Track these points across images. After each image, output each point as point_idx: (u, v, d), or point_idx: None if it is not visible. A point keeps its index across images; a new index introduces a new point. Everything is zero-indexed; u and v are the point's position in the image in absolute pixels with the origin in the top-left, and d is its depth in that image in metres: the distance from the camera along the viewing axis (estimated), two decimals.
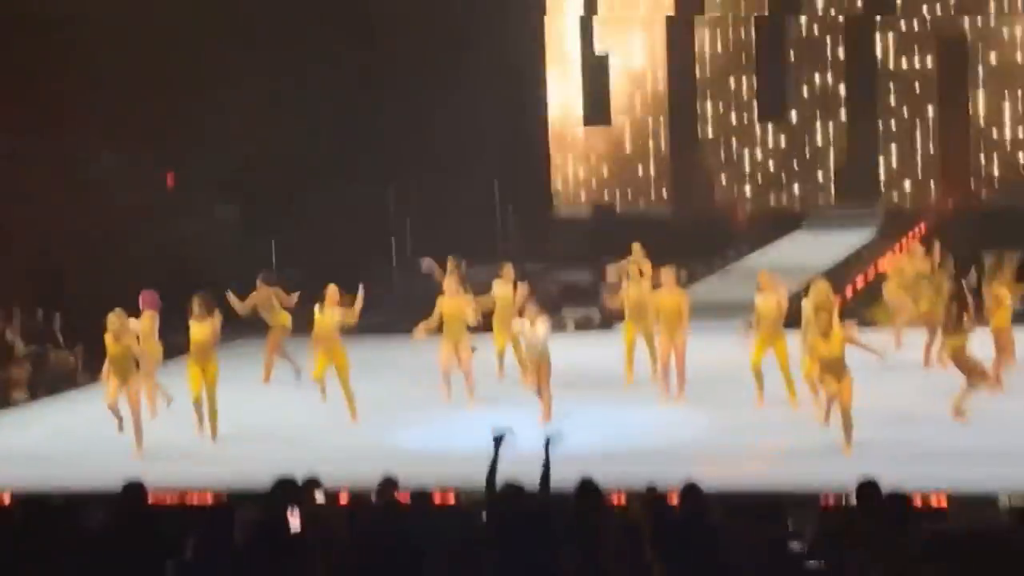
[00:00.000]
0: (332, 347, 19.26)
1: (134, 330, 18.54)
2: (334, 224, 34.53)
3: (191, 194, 33.95)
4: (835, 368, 16.75)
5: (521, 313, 19.28)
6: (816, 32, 41.82)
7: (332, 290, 19.48)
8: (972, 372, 17.97)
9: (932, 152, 41.36)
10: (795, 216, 40.47)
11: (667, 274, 19.97)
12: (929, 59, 41.07)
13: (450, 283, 20.18)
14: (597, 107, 43.07)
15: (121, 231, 30.83)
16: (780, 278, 19.70)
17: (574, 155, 43.25)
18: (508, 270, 21.45)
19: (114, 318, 18.03)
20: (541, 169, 41.55)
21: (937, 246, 22.20)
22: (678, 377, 19.81)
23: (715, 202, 41.71)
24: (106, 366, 18.25)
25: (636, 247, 22.00)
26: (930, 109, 41.21)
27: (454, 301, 19.93)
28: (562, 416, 18.46)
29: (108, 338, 18.02)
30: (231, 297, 20.99)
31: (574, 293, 30.10)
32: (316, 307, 19.47)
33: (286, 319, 21.51)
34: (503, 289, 21.25)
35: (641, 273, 20.91)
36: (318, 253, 32.76)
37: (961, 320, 18.10)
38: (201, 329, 18.54)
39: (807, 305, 18.52)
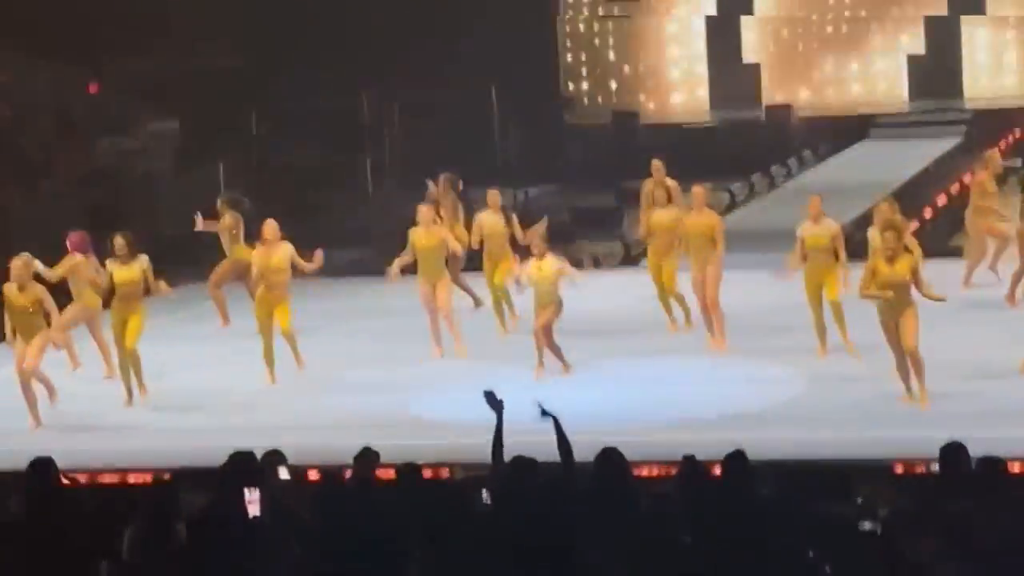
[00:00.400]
0: (274, 296, 19.20)
1: (47, 277, 18.51)
2: (295, 142, 34.46)
3: (120, 107, 33.91)
4: (898, 297, 16.64)
5: (528, 249, 19.21)
6: None
7: (270, 227, 19.34)
8: None
9: None
10: (861, 122, 40.34)
11: (698, 194, 19.95)
12: None
13: (425, 212, 20.20)
14: None
15: (39, 151, 30.81)
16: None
17: (589, 51, 43.11)
18: (495, 197, 21.39)
19: (19, 263, 17.83)
20: (549, 69, 41.41)
21: None
22: (714, 319, 19.77)
23: (763, 106, 41.56)
24: (8, 324, 18.19)
25: (656, 164, 21.97)
26: None
27: (429, 233, 19.96)
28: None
29: (10, 289, 17.87)
30: (202, 222, 21.28)
31: (592, 221, 30.05)
32: (257, 248, 19.38)
33: (246, 253, 21.43)
34: (490, 220, 21.22)
35: (669, 198, 20.73)
36: (275, 177, 32.72)
37: None
38: (126, 272, 18.47)
39: (873, 233, 18.40)
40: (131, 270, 18.46)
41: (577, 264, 26.28)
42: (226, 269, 21.84)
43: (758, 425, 16.51)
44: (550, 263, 18.61)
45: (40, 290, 17.89)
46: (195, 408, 18.59)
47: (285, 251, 19.21)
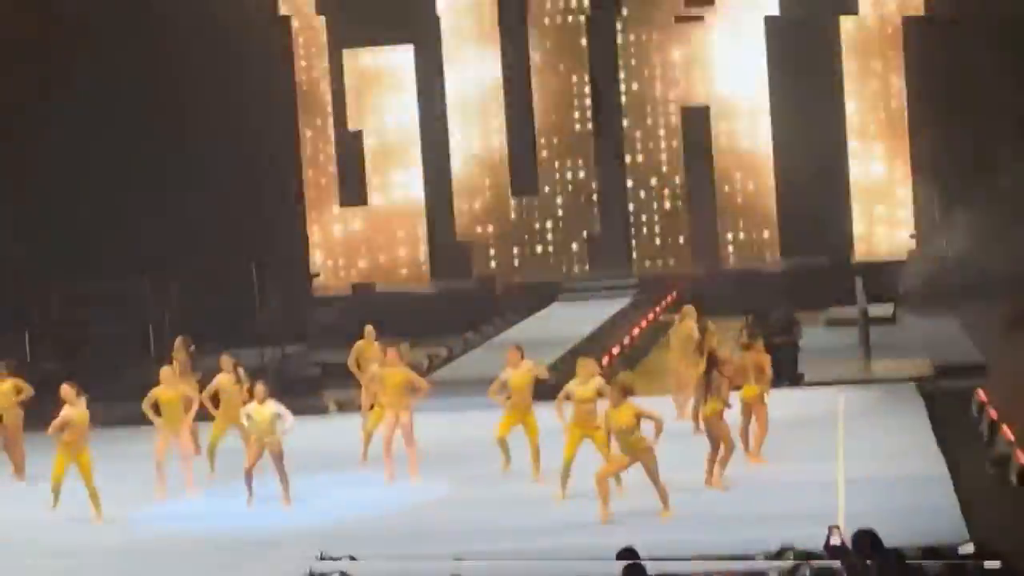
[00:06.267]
0: (77, 445, 18.64)
1: None
2: (87, 317, 33.81)
3: None
4: (631, 439, 16.74)
5: (251, 394, 18.96)
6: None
7: (69, 389, 18.79)
8: (725, 439, 18.22)
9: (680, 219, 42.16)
10: (552, 288, 40.76)
11: (391, 353, 20.01)
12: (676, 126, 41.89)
13: (166, 372, 20.01)
14: (352, 185, 42.97)
15: None
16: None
17: (332, 235, 43.04)
18: (227, 361, 21.11)
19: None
20: (298, 249, 41.23)
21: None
22: (409, 454, 19.74)
23: (473, 277, 41.81)
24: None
25: (369, 329, 22.16)
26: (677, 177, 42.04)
27: (171, 390, 19.78)
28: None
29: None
30: None
31: (336, 374, 29.75)
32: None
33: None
34: (226, 379, 20.85)
35: (385, 353, 20.58)
36: (72, 346, 32.06)
37: (716, 386, 18.36)
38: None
39: (576, 386, 18.25)
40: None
41: (324, 409, 26.33)
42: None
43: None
44: (269, 406, 18.43)
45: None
46: None
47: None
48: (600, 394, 17.99)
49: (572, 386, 18.32)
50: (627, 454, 16.80)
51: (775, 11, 40.92)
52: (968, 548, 13.31)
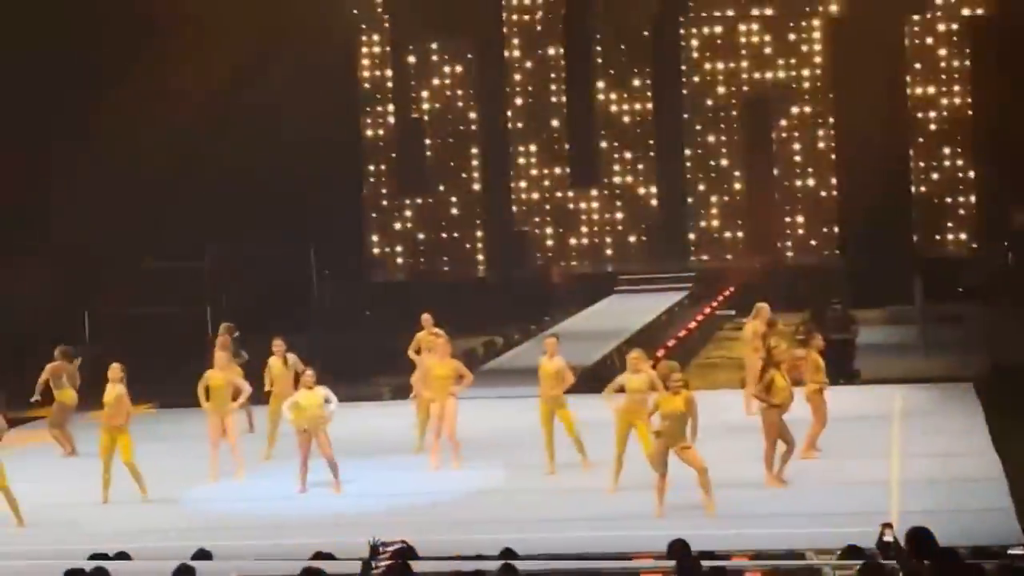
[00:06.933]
0: (117, 428, 18.68)
1: None
2: (146, 298, 33.96)
3: None
4: (678, 427, 16.69)
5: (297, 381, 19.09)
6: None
7: (114, 369, 19.03)
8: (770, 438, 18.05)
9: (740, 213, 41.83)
10: (610, 280, 40.53)
11: (441, 345, 19.95)
12: (735, 120, 41.58)
13: (221, 357, 19.92)
14: (415, 174, 42.83)
15: None
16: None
17: (391, 221, 42.93)
18: (278, 345, 21.06)
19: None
20: (358, 235, 41.23)
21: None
22: (449, 443, 19.61)
23: (532, 267, 41.61)
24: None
25: (426, 317, 21.93)
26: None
27: (221, 374, 19.71)
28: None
29: None
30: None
31: (390, 360, 29.74)
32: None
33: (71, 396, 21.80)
34: (276, 364, 21.03)
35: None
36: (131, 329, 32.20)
37: (771, 384, 18.13)
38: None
39: (627, 377, 18.21)
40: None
41: (377, 396, 26.36)
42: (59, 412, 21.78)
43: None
44: (318, 392, 18.44)
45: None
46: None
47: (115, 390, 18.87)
48: (653, 387, 17.89)
49: (623, 378, 18.28)
50: (667, 438, 16.64)
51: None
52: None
